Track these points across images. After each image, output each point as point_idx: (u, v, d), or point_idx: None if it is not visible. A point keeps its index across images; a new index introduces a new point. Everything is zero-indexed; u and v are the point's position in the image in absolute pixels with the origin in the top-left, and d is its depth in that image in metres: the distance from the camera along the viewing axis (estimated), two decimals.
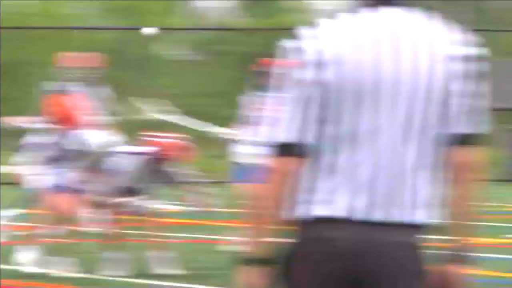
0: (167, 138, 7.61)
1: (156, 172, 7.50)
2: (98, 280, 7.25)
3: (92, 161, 7.49)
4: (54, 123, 7.38)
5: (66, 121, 7.37)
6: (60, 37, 19.85)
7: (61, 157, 7.44)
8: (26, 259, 7.37)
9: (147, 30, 15.52)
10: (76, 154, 7.45)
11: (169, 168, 7.54)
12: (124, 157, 7.51)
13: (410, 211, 2.51)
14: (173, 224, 9.80)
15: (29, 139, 7.64)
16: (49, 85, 7.68)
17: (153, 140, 7.52)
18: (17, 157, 7.99)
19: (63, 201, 7.40)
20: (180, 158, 7.58)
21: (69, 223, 7.47)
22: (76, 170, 7.55)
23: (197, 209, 8.76)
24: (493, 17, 31.36)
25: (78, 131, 7.38)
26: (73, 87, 7.59)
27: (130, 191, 7.45)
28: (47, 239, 7.42)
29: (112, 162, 7.45)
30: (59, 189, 7.41)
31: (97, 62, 7.85)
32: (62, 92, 7.55)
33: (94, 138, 7.47)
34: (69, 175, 7.53)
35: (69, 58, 7.86)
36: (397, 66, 2.48)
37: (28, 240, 7.51)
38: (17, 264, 7.45)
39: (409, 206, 2.52)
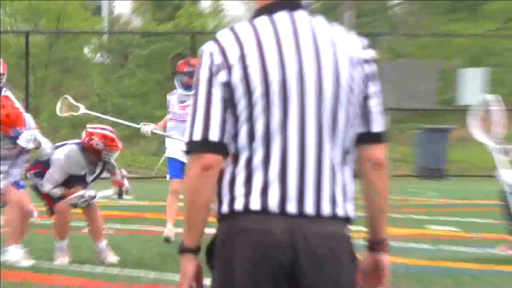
0: (106, 130, 7.86)
1: (96, 163, 7.85)
2: (50, 268, 7.58)
3: (41, 156, 7.80)
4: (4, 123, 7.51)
5: (16, 120, 7.60)
6: None
7: (14, 155, 7.75)
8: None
9: None
10: (28, 151, 7.74)
11: (108, 159, 7.86)
12: (67, 149, 7.81)
13: (341, 205, 2.45)
14: (112, 216, 10.17)
15: None
16: None
17: (93, 131, 7.78)
18: None
19: (24, 197, 7.74)
20: (116, 150, 7.87)
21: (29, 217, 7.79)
22: (28, 165, 7.89)
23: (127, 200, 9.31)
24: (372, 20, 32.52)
25: (27, 129, 7.63)
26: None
27: (76, 183, 7.78)
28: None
29: (57, 155, 7.76)
30: (18, 186, 7.72)
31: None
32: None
33: (39, 135, 7.74)
34: (22, 171, 7.88)
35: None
36: (318, 68, 2.39)
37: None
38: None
39: (340, 200, 2.44)
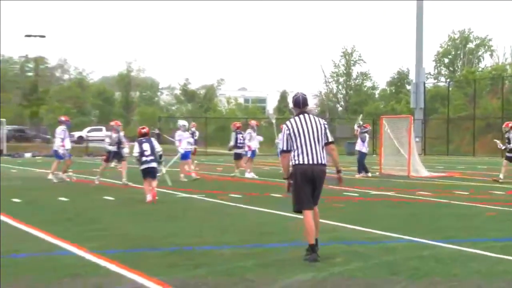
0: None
1: None
2: None
3: None
4: None
5: None
6: None
7: None
8: None
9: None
10: None
11: None
12: None
13: (323, 160, 8.92)
14: None
15: None
16: None
17: None
18: None
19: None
20: None
21: None
22: None
23: None
24: None
25: None
26: None
27: None
28: None
29: None
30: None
31: None
32: None
33: None
34: None
35: None
36: (312, 129, 8.87)
37: None
38: None
39: (323, 159, 8.93)
